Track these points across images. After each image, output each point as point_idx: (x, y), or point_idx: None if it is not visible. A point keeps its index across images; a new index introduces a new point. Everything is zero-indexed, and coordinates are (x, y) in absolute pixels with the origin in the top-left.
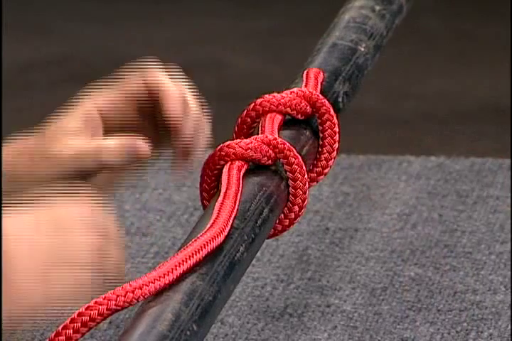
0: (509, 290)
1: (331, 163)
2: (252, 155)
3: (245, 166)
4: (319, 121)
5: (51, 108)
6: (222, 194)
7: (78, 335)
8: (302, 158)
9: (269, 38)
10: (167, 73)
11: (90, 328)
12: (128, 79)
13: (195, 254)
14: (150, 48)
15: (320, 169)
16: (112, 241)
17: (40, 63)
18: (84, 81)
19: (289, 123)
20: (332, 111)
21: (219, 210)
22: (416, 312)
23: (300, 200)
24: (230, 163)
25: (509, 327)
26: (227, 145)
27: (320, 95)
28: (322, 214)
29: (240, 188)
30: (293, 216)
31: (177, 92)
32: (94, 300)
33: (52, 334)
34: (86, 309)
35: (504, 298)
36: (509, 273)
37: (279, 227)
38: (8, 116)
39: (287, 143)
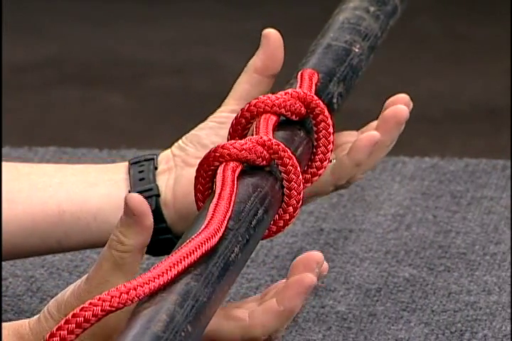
0: (503, 290)
1: (325, 164)
2: (247, 156)
3: (240, 167)
4: (314, 122)
5: (45, 109)
6: (216, 195)
7: (73, 336)
8: (297, 159)
9: None
10: None
11: (85, 329)
12: None
13: (190, 255)
14: (144, 49)
15: (314, 170)
16: None
17: (34, 64)
18: (78, 82)
19: (283, 124)
20: (326, 112)
21: (213, 211)
22: (410, 313)
23: (295, 201)
24: (224, 163)
25: (503, 328)
26: (222, 146)
27: (314, 96)
28: (316, 215)
29: (235, 189)
30: (287, 217)
31: None
32: (88, 302)
33: (47, 335)
34: (80, 310)
35: (498, 298)
36: (503, 273)
37: (274, 228)
38: (2, 117)
39: (282, 144)
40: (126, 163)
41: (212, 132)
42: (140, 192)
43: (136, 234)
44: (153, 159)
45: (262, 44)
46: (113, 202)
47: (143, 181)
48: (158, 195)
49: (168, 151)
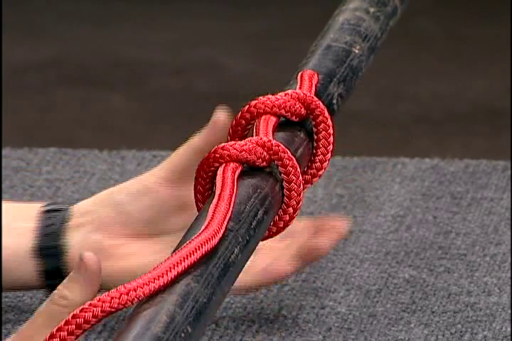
0: (503, 292)
1: (325, 164)
2: (247, 157)
3: (240, 168)
4: (314, 123)
5: (46, 110)
6: (216, 196)
7: (73, 337)
8: (297, 159)
9: (263, 40)
10: None
11: (85, 330)
12: None
13: (190, 256)
14: (145, 50)
15: (314, 171)
16: None
17: (34, 65)
18: (79, 83)
19: (283, 125)
20: (326, 113)
21: (213, 212)
22: (410, 314)
23: (295, 202)
24: (224, 164)
25: (503, 329)
26: (222, 147)
27: (314, 97)
28: (316, 216)
29: (235, 190)
30: (287, 218)
31: None
32: (88, 303)
33: (47, 337)
34: (80, 311)
35: (498, 299)
36: (503, 274)
37: (274, 229)
38: (2, 118)
39: (282, 145)
40: (40, 207)
41: (132, 198)
42: (42, 249)
43: (81, 291)
44: (66, 209)
45: (208, 126)
46: (20, 254)
47: (48, 237)
48: (62, 254)
49: (85, 202)
